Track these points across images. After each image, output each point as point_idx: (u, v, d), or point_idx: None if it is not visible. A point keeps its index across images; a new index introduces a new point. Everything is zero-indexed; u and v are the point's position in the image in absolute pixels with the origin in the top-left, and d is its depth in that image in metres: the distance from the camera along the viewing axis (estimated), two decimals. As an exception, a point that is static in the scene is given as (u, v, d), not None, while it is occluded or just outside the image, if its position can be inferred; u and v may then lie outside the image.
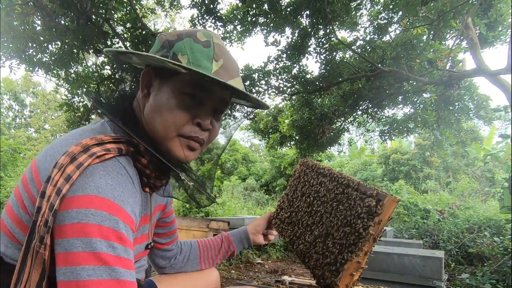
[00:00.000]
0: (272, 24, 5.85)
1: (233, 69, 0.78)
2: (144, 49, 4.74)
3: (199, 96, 0.76)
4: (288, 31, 6.13)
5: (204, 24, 5.85)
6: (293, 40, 6.08)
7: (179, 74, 0.74)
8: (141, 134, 0.76)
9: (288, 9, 5.64)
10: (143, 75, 0.78)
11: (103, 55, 5.16)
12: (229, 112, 6.67)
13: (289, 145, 8.07)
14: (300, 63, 6.30)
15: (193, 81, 0.74)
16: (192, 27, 6.08)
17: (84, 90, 4.75)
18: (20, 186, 0.70)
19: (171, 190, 0.94)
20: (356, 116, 7.10)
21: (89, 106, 5.08)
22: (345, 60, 6.22)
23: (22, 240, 0.67)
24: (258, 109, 0.91)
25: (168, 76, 0.75)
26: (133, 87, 0.88)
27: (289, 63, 6.28)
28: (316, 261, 0.93)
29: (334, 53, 6.33)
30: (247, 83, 6.32)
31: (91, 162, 0.64)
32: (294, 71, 6.35)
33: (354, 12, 5.95)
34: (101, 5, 4.67)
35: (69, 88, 5.08)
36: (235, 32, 6.29)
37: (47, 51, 4.79)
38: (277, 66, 6.29)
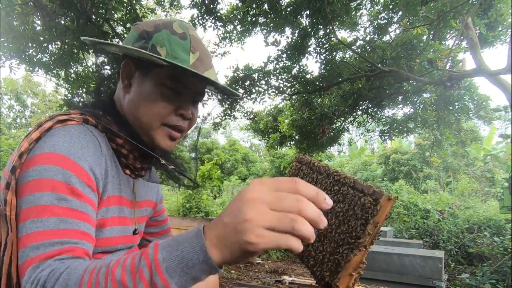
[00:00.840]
0: (272, 24, 5.85)
1: (208, 60, 0.81)
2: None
3: (180, 88, 0.79)
4: (288, 31, 6.13)
5: (204, 24, 5.85)
6: (293, 40, 6.08)
7: (161, 67, 0.76)
8: (121, 123, 0.79)
9: (288, 9, 5.64)
10: (123, 67, 0.81)
11: (103, 55, 5.16)
12: (229, 112, 6.68)
13: (289, 145, 8.07)
14: (300, 63, 6.30)
15: (174, 73, 0.77)
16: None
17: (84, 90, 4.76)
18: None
19: (158, 178, 0.97)
20: (356, 116, 7.09)
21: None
22: (345, 60, 6.22)
23: None
24: (231, 97, 0.95)
25: (149, 67, 0.78)
26: (112, 79, 0.92)
27: (289, 63, 6.28)
28: (315, 261, 0.93)
29: (334, 53, 6.33)
30: (247, 83, 6.32)
31: (53, 125, 0.67)
32: (294, 71, 6.35)
33: (354, 12, 5.94)
34: (101, 5, 4.67)
35: (69, 88, 5.08)
36: (235, 32, 6.29)
37: (47, 51, 4.79)
38: (277, 66, 6.29)
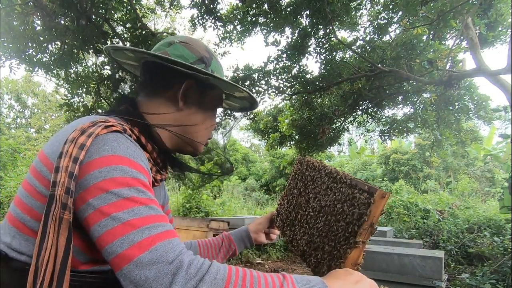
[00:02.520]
0: (272, 24, 5.85)
1: None
2: (143, 49, 4.73)
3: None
4: (288, 31, 6.13)
5: (204, 24, 5.85)
6: (293, 40, 6.08)
7: (216, 89, 0.90)
8: (150, 134, 0.83)
9: (288, 9, 5.64)
10: (186, 86, 0.86)
11: (103, 55, 5.15)
12: (229, 112, 6.67)
13: (289, 145, 8.07)
14: (300, 63, 6.30)
15: (222, 96, 0.94)
16: (192, 27, 6.10)
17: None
18: (29, 178, 0.72)
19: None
20: (356, 116, 7.10)
21: (89, 107, 5.08)
22: (345, 60, 6.22)
23: (33, 227, 0.69)
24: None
25: (208, 89, 0.88)
26: (132, 87, 0.96)
27: (289, 63, 6.28)
28: (315, 258, 0.95)
29: (334, 53, 6.33)
30: (247, 83, 6.32)
31: (100, 132, 0.68)
32: (294, 71, 6.35)
33: (354, 12, 5.94)
34: (101, 5, 4.67)
35: (69, 88, 5.08)
36: (235, 32, 6.29)
37: (47, 51, 4.79)
38: (277, 66, 6.29)
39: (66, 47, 4.78)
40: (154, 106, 0.87)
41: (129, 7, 5.02)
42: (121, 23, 5.26)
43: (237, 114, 6.92)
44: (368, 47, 5.96)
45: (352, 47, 5.97)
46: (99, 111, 5.11)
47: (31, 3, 4.36)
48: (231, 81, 0.85)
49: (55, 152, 0.68)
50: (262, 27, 6.08)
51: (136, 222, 0.60)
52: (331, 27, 5.57)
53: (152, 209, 0.64)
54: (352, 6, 5.75)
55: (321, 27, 5.85)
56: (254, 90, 6.39)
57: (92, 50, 4.80)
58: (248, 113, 7.20)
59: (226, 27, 6.14)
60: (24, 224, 0.70)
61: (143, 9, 5.79)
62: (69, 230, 0.62)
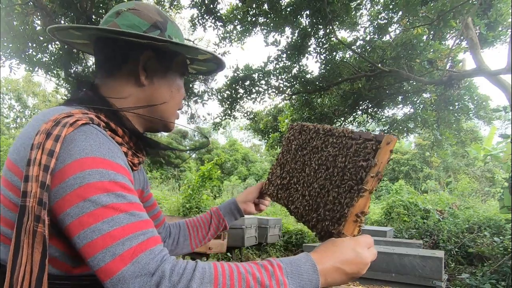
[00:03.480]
0: (272, 24, 5.85)
1: None
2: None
3: (188, 73, 0.88)
4: (288, 31, 6.13)
5: (204, 24, 5.86)
6: (293, 40, 6.08)
7: (178, 56, 0.82)
8: (116, 116, 0.77)
9: (288, 9, 5.64)
10: (144, 60, 0.79)
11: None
12: (229, 112, 6.68)
13: (289, 145, 8.06)
14: (300, 63, 6.30)
15: (188, 62, 0.84)
16: (192, 27, 6.10)
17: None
18: (2, 189, 0.68)
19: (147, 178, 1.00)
20: (356, 116, 7.10)
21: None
22: (345, 60, 6.22)
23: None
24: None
25: (170, 58, 0.81)
26: (91, 69, 0.91)
27: (289, 63, 6.28)
28: (317, 216, 0.90)
29: (334, 53, 6.33)
30: (247, 83, 6.32)
31: (67, 132, 0.63)
32: (294, 71, 6.35)
33: (354, 12, 5.95)
34: (101, 5, 4.67)
35: (69, 88, 5.08)
36: (235, 32, 6.30)
37: (47, 51, 4.79)
38: (277, 66, 6.29)
39: (66, 47, 4.78)
40: (115, 87, 0.79)
41: (129, 7, 5.02)
42: (121, 23, 5.25)
43: (237, 114, 6.91)
44: (368, 47, 5.96)
45: (352, 47, 5.97)
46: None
47: (31, 3, 4.36)
48: (192, 44, 0.81)
49: (23, 159, 0.64)
50: (262, 27, 6.09)
51: (116, 233, 0.58)
52: (331, 27, 5.57)
53: (133, 216, 0.61)
54: (352, 6, 5.75)
55: (321, 27, 5.85)
56: (254, 90, 6.39)
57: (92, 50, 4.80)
58: (249, 113, 7.20)
59: (226, 27, 6.14)
60: (5, 236, 0.67)
61: (143, 9, 5.78)
62: (43, 244, 0.59)
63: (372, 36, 6.11)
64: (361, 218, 0.79)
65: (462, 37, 5.63)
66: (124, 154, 0.76)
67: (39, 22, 4.57)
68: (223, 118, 6.73)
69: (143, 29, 0.77)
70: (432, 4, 4.93)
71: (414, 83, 5.94)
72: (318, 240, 0.90)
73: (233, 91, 6.38)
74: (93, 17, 4.69)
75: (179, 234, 1.14)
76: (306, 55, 6.25)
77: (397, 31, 6.20)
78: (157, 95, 0.81)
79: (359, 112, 6.97)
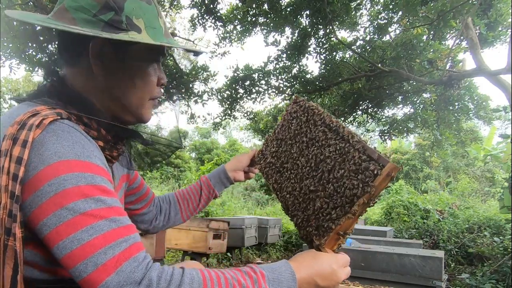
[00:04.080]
0: (272, 24, 5.85)
1: (163, 19, 0.78)
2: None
3: (158, 59, 0.78)
4: (288, 31, 6.13)
5: (204, 24, 5.86)
6: (293, 40, 6.08)
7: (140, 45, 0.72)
8: (87, 108, 0.71)
9: (288, 9, 5.64)
10: (94, 48, 0.70)
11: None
12: (229, 112, 6.68)
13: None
14: (300, 63, 6.30)
15: (156, 48, 0.75)
16: (192, 27, 6.09)
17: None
18: None
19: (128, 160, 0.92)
20: (356, 116, 7.09)
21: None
22: (345, 60, 6.22)
23: None
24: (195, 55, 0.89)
25: (127, 46, 0.71)
26: (55, 59, 0.86)
27: (289, 63, 6.28)
28: (303, 217, 0.89)
29: (334, 53, 6.33)
30: (247, 83, 6.32)
31: (35, 135, 0.58)
32: (294, 71, 6.35)
33: (354, 12, 5.95)
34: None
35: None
36: (235, 32, 6.30)
37: (47, 51, 4.79)
38: (277, 66, 6.29)
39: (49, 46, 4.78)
40: (77, 78, 0.74)
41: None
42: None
43: (237, 114, 6.90)
44: (368, 47, 5.96)
45: (352, 47, 5.97)
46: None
47: (31, 3, 4.36)
48: (141, 36, 0.68)
49: None
50: (262, 27, 6.09)
51: (97, 242, 0.55)
52: (331, 27, 5.57)
53: (114, 222, 0.58)
54: (352, 6, 5.75)
55: (321, 27, 5.85)
56: (254, 90, 6.39)
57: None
58: (249, 113, 7.20)
59: (226, 27, 6.14)
60: None
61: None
62: (15, 259, 0.56)
63: (372, 36, 6.11)
64: (343, 237, 0.79)
65: (462, 37, 5.63)
66: (102, 148, 0.71)
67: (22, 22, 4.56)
68: (223, 118, 6.73)
69: (92, 11, 0.67)
70: (432, 4, 4.93)
71: (414, 83, 5.94)
72: (299, 237, 0.91)
73: (233, 91, 6.38)
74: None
75: (169, 209, 1.13)
76: (306, 55, 6.25)
77: (397, 31, 6.20)
78: (117, 86, 0.73)
79: (359, 112, 6.97)
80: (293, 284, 0.67)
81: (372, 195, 0.75)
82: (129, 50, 0.72)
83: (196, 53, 0.87)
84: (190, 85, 6.02)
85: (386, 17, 5.95)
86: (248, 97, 6.48)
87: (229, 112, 6.67)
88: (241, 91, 6.43)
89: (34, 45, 4.51)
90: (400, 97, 6.56)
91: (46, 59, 4.80)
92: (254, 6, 5.67)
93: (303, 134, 0.99)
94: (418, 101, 6.56)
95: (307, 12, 5.74)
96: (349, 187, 0.79)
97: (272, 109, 8.38)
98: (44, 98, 0.70)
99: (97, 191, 0.58)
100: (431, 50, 5.33)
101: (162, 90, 0.82)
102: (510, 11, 5.43)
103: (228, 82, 6.33)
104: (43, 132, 0.59)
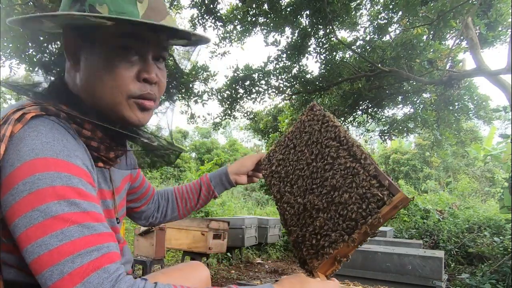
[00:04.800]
0: (272, 24, 5.85)
1: (162, 7, 0.69)
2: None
3: (134, 48, 0.67)
4: (288, 31, 6.13)
5: (204, 24, 5.85)
6: (293, 40, 6.08)
7: (106, 29, 0.65)
8: (81, 108, 0.67)
9: (288, 9, 5.64)
10: (66, 42, 0.69)
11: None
12: (229, 112, 6.67)
13: (289, 145, 8.07)
14: (300, 63, 6.31)
15: (123, 32, 0.65)
16: (192, 27, 6.09)
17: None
18: None
19: (136, 160, 0.88)
20: (356, 116, 7.09)
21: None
22: (345, 60, 6.22)
23: None
24: (200, 45, 0.80)
25: (94, 35, 0.66)
26: (55, 59, 0.84)
27: (289, 63, 6.28)
28: (299, 233, 0.84)
29: (334, 53, 6.33)
30: (247, 83, 6.32)
31: (15, 129, 0.56)
32: (294, 71, 6.35)
33: (354, 12, 5.95)
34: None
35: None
36: (235, 32, 6.30)
37: (47, 51, 4.79)
38: (277, 66, 6.29)
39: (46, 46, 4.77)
40: (68, 75, 0.71)
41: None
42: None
43: (237, 114, 6.89)
44: (368, 47, 5.96)
45: (352, 47, 5.97)
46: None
47: (31, 3, 4.36)
48: (107, 15, 0.61)
49: None
50: (262, 27, 6.09)
51: (65, 249, 0.52)
52: (331, 27, 5.57)
53: (86, 228, 0.54)
54: (352, 6, 5.75)
55: (321, 27, 5.85)
56: (254, 90, 6.39)
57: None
58: (249, 113, 7.19)
59: (226, 27, 6.14)
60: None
61: (143, 9, 5.78)
62: None
63: (372, 36, 6.11)
64: (339, 263, 0.75)
65: (462, 37, 5.63)
66: (96, 148, 0.68)
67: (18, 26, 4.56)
68: (223, 118, 6.73)
69: (66, 8, 0.66)
70: (432, 4, 4.93)
71: (414, 83, 5.94)
72: (294, 256, 0.87)
73: (233, 91, 6.38)
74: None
75: (167, 207, 1.12)
76: (306, 55, 6.25)
77: (397, 31, 6.20)
78: (88, 81, 0.68)
79: (359, 112, 6.97)
80: None
81: (375, 226, 0.70)
82: (96, 38, 0.66)
83: (196, 41, 0.77)
84: (190, 85, 6.01)
85: (386, 17, 5.95)
86: (248, 97, 6.49)
87: (229, 112, 6.67)
88: (241, 91, 6.43)
89: (34, 45, 4.51)
90: (400, 97, 6.56)
91: (46, 59, 4.80)
92: (254, 6, 5.67)
93: (314, 146, 0.93)
94: (418, 101, 6.56)
95: (307, 12, 5.74)
96: (353, 212, 0.73)
97: (272, 109, 8.39)
98: (41, 95, 0.68)
99: (72, 193, 0.55)
100: (431, 50, 5.33)
101: (152, 87, 0.71)
102: (510, 11, 5.43)
103: (228, 82, 6.33)
104: (24, 127, 0.57)
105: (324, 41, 6.09)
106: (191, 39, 0.76)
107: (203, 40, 0.78)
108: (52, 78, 0.73)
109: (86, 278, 0.51)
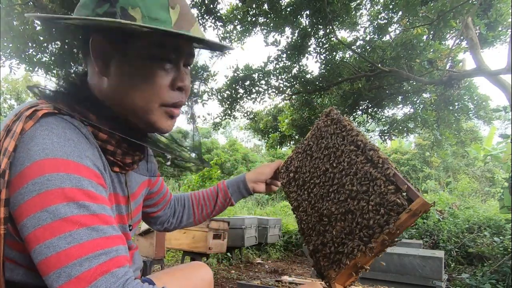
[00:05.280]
0: (272, 24, 5.86)
1: (191, 14, 0.68)
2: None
3: (170, 56, 0.67)
4: (288, 31, 6.13)
5: (204, 24, 5.85)
6: (293, 40, 6.08)
7: (144, 37, 0.64)
8: (103, 112, 0.66)
9: (288, 9, 5.64)
10: (94, 45, 0.65)
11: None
12: (229, 112, 6.68)
13: (288, 144, 8.07)
14: (300, 63, 6.31)
15: (161, 40, 0.64)
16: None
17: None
18: None
19: (156, 166, 0.87)
20: (356, 116, 7.09)
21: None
22: (345, 60, 6.22)
23: None
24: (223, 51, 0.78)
25: (127, 39, 0.64)
26: (79, 61, 0.82)
27: (289, 63, 6.29)
28: (317, 242, 0.82)
29: (334, 53, 6.34)
30: (247, 83, 6.32)
31: (26, 126, 0.56)
32: (294, 71, 6.35)
33: (354, 12, 5.95)
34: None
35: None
36: (235, 32, 6.30)
37: (47, 51, 4.79)
38: (277, 66, 6.30)
39: (66, 47, 4.78)
40: (91, 79, 0.69)
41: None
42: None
43: (237, 114, 6.89)
44: (368, 47, 5.96)
45: (352, 47, 5.97)
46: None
47: (31, 3, 4.36)
48: (139, 24, 0.59)
49: None
50: (262, 27, 6.09)
51: (73, 252, 0.51)
52: (331, 27, 5.57)
53: (96, 231, 0.54)
54: (352, 6, 5.75)
55: (321, 27, 5.86)
56: (254, 90, 6.39)
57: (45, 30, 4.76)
58: (249, 113, 7.19)
59: (226, 27, 6.14)
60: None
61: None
62: None
63: (372, 36, 6.11)
64: (358, 273, 0.72)
65: (462, 37, 5.63)
66: (112, 152, 0.67)
67: (39, 22, 4.57)
68: (223, 118, 6.73)
69: (91, 6, 0.63)
70: (432, 4, 4.93)
71: (414, 83, 5.94)
72: (312, 266, 0.85)
73: (233, 91, 6.38)
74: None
75: (183, 213, 1.11)
76: (306, 55, 6.25)
77: (397, 31, 6.20)
78: (121, 87, 0.66)
79: (359, 112, 6.97)
80: None
81: (393, 234, 0.67)
82: (130, 45, 0.65)
83: (222, 49, 0.77)
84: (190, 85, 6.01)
85: (386, 17, 5.95)
86: (248, 97, 6.49)
87: (229, 112, 6.67)
88: (241, 91, 6.43)
89: (34, 45, 4.51)
90: (400, 97, 6.56)
91: (47, 59, 4.80)
92: (254, 6, 5.67)
93: (330, 152, 0.91)
94: (418, 101, 6.56)
95: (307, 12, 5.74)
96: (369, 220, 0.71)
97: (272, 109, 8.38)
98: (50, 93, 0.68)
99: (82, 196, 0.54)
100: (431, 50, 5.33)
101: (182, 95, 0.71)
102: (510, 11, 5.43)
103: (228, 82, 6.34)
104: (36, 125, 0.57)
105: (324, 41, 6.09)
106: (219, 49, 0.78)
107: (224, 48, 0.79)
108: (71, 78, 0.72)
109: (94, 282, 0.51)
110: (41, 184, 0.53)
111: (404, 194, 0.69)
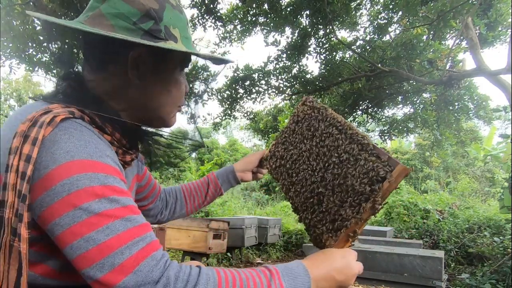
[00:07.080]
0: (272, 24, 5.86)
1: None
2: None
3: (187, 67, 0.80)
4: (288, 31, 6.14)
5: (204, 24, 5.85)
6: (293, 40, 6.08)
7: (179, 54, 0.75)
8: (107, 111, 0.69)
9: (288, 9, 5.64)
10: (134, 54, 0.69)
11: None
12: (229, 112, 6.68)
13: (289, 145, 8.08)
14: (300, 63, 6.31)
15: (188, 57, 0.77)
16: (192, 27, 6.09)
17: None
18: None
19: (142, 160, 0.97)
20: (356, 116, 7.09)
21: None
22: (345, 60, 6.22)
23: None
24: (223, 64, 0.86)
25: (167, 55, 0.72)
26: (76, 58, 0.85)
27: (289, 63, 6.29)
28: (312, 218, 0.89)
29: (334, 53, 6.34)
30: (247, 83, 6.32)
31: (46, 132, 0.57)
32: (294, 71, 6.35)
33: (354, 12, 5.95)
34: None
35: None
36: (235, 32, 6.30)
37: (47, 51, 4.79)
38: (277, 66, 6.30)
39: (66, 47, 4.78)
40: (105, 84, 0.72)
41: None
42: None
43: (237, 114, 6.90)
44: (368, 47, 5.96)
45: (352, 47, 5.97)
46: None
47: (31, 3, 4.36)
48: (184, 46, 0.71)
49: (3, 164, 0.58)
50: (262, 27, 6.09)
51: (113, 243, 0.54)
52: (331, 27, 5.57)
53: (129, 221, 0.57)
54: (352, 6, 5.76)
55: (321, 27, 5.86)
56: (254, 90, 6.39)
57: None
58: (249, 113, 7.20)
59: (226, 27, 6.14)
60: None
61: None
62: (19, 261, 0.55)
63: (372, 36, 6.11)
64: (352, 238, 0.79)
65: (462, 37, 5.63)
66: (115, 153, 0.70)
67: (39, 22, 4.57)
68: (223, 118, 6.73)
69: (133, 19, 0.67)
70: (432, 4, 4.94)
71: (414, 83, 5.94)
72: (310, 240, 0.91)
73: (233, 91, 6.38)
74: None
75: (175, 204, 1.15)
76: (306, 55, 6.25)
77: (397, 31, 6.20)
78: (152, 94, 0.74)
79: (359, 112, 6.97)
80: (307, 280, 0.66)
81: (380, 199, 0.74)
82: (166, 59, 0.73)
83: (222, 62, 0.84)
84: (190, 85, 6.02)
85: (386, 17, 5.96)
86: (248, 97, 6.49)
87: (229, 112, 6.67)
88: (241, 91, 6.43)
89: (34, 45, 4.51)
90: (400, 97, 6.57)
91: (47, 58, 4.80)
92: (254, 6, 5.68)
93: (312, 135, 0.99)
94: (418, 101, 6.56)
95: (307, 12, 5.74)
96: (357, 190, 0.78)
97: (272, 109, 8.39)
98: (59, 97, 0.69)
99: (110, 192, 0.58)
100: (431, 50, 5.33)
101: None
102: (510, 11, 5.44)
103: (228, 82, 6.34)
104: (55, 130, 0.59)
105: (324, 41, 6.09)
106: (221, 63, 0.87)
107: (223, 62, 0.86)
108: (71, 80, 0.74)
109: (137, 267, 0.55)
110: (70, 184, 0.55)
111: (386, 163, 0.76)
